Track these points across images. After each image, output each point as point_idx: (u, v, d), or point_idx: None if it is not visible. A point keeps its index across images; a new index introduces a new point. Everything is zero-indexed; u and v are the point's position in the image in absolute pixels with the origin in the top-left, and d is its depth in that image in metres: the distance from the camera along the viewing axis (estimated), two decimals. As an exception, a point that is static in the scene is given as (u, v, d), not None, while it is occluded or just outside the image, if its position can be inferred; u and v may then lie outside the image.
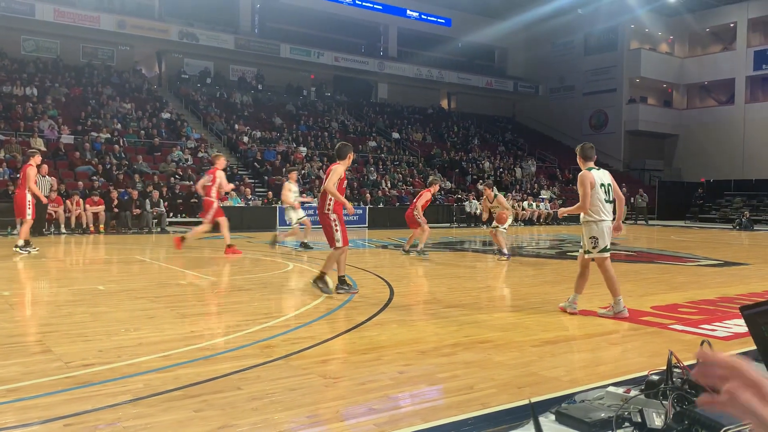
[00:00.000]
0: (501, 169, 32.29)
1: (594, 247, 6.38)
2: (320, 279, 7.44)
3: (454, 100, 42.80)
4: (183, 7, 31.57)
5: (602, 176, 6.44)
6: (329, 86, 37.22)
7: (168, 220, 19.48)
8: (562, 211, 7.10)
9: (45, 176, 16.11)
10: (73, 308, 6.44)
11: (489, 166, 32.18)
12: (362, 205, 23.83)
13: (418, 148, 32.98)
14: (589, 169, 6.45)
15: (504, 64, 44.14)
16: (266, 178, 23.89)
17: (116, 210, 18.42)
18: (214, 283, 8.40)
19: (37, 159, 11.79)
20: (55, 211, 17.14)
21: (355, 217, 23.13)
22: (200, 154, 24.33)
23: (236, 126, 27.96)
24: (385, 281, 8.70)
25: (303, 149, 27.47)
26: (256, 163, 25.18)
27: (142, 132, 24.60)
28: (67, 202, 17.49)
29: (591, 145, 6.63)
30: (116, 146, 22.52)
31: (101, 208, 17.92)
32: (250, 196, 21.87)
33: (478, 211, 25.34)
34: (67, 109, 24.35)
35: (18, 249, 11.36)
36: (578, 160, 6.63)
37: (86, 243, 15.07)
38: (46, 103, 24.09)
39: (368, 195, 24.53)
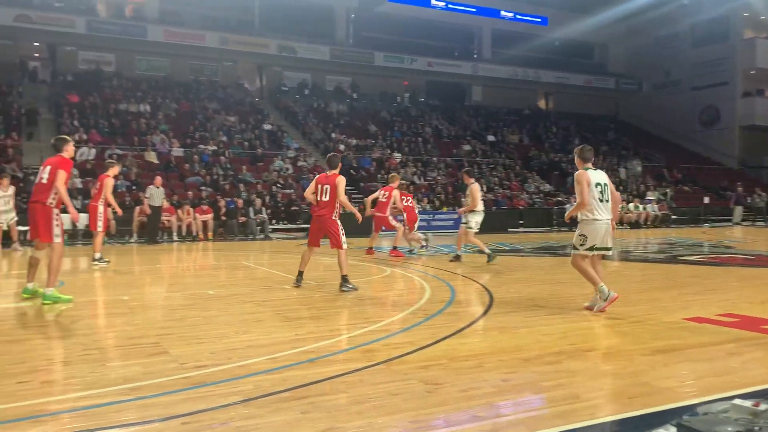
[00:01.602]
0: (604, 170, 31.05)
1: (581, 245, 6.58)
2: (345, 282, 8.10)
3: (551, 100, 41.74)
4: (281, 22, 32.75)
5: (598, 176, 6.64)
6: (422, 91, 37.37)
7: (271, 227, 20.22)
8: (566, 215, 7.15)
9: (159, 187, 17.20)
10: (186, 312, 6.81)
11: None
12: (456, 210, 23.67)
13: (515, 150, 32.40)
14: (586, 169, 6.64)
15: (604, 61, 42.57)
16: (362, 184, 24.26)
17: (223, 218, 19.35)
18: (315, 287, 8.61)
19: (115, 170, 11.72)
20: (168, 220, 18.23)
21: (451, 222, 23.05)
22: (300, 163, 25.10)
23: (333, 134, 28.63)
24: (484, 287, 8.59)
25: (397, 155, 27.70)
26: (351, 171, 25.64)
27: (246, 143, 25.71)
28: (179, 211, 18.56)
29: (590, 148, 6.88)
30: (222, 157, 23.67)
31: (209, 216, 18.88)
32: (347, 203, 22.29)
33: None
34: (177, 124, 25.86)
35: (95, 261, 11.23)
36: (576, 162, 6.84)
37: (196, 250, 15.90)
38: (158, 118, 25.70)
39: (463, 199, 24.33)
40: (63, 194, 7.18)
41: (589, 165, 6.70)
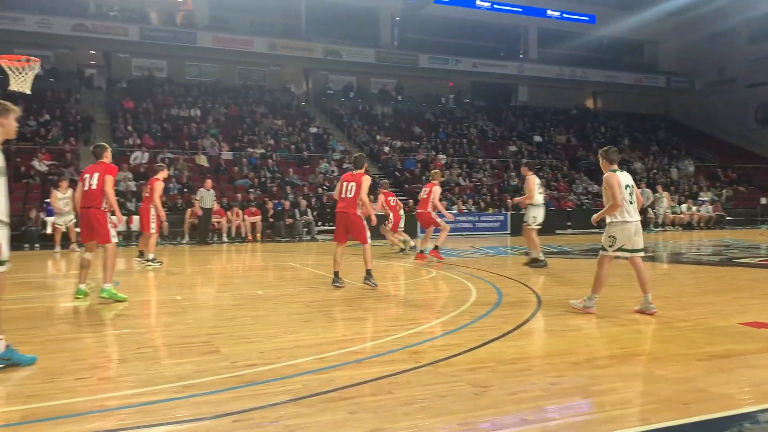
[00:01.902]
0: (654, 170, 30.33)
1: (610, 246, 6.62)
2: (368, 276, 8.48)
3: (599, 100, 40.92)
4: (327, 26, 33.10)
5: (625, 178, 6.67)
6: (467, 92, 37.16)
7: (316, 228, 20.41)
8: (595, 217, 7.00)
9: (209, 190, 17.59)
10: (236, 312, 6.95)
11: (641, 167, 30.36)
12: (503, 212, 23.45)
13: (562, 150, 31.89)
14: (614, 171, 6.66)
15: (654, 59, 41.50)
16: (407, 186, 24.26)
17: (271, 220, 19.64)
18: (361, 288, 8.65)
19: (165, 173, 11.97)
20: (218, 222, 18.61)
21: (497, 224, 22.86)
22: (345, 166, 25.26)
23: (378, 137, 28.73)
24: (531, 289, 8.49)
25: (442, 157, 27.60)
26: (396, 172, 25.68)
27: (293, 146, 26.05)
28: (228, 213, 18.93)
29: (615, 149, 6.89)
30: (270, 160, 24.04)
31: (258, 218, 19.20)
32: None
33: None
34: (226, 128, 26.38)
35: (149, 262, 11.46)
36: (602, 164, 6.83)
37: (245, 251, 16.18)
38: (208, 122, 26.27)
39: (510, 201, 24.09)
40: (112, 198, 7.53)
41: (615, 166, 6.73)
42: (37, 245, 16.37)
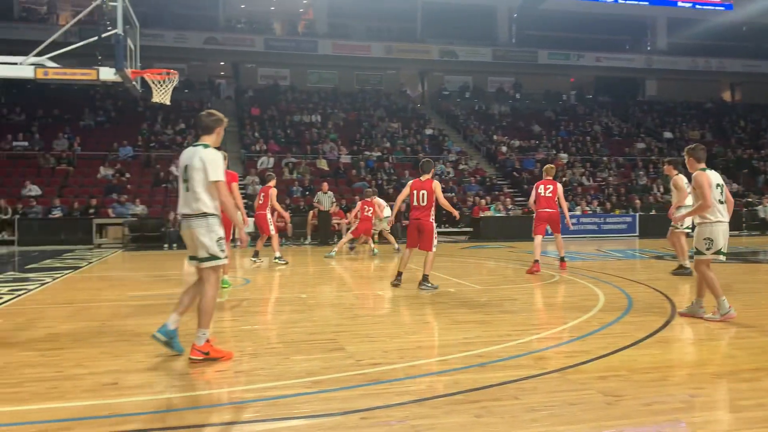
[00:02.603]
0: (802, 167, 27.63)
1: (708, 249, 6.24)
2: (424, 281, 8.50)
3: (738, 91, 37.88)
4: (442, 26, 33.10)
5: (716, 177, 6.36)
6: (590, 88, 35.77)
7: (433, 230, 20.44)
8: (679, 216, 6.58)
9: (326, 192, 18.14)
10: (357, 311, 7.11)
11: (786, 163, 27.78)
12: (632, 213, 22.30)
13: (695, 147, 29.83)
14: (702, 170, 6.34)
15: (803, 44, 37.76)
16: (525, 187, 23.72)
17: (388, 221, 19.92)
18: (480, 291, 8.56)
19: (274, 182, 12.52)
20: (338, 224, 19.15)
21: (624, 226, 21.78)
22: (461, 167, 25.16)
23: (494, 137, 28.32)
24: (664, 295, 8.00)
25: (564, 156, 26.72)
26: (514, 173, 25.19)
27: (408, 149, 26.28)
28: (347, 215, 19.41)
29: (702, 147, 6.58)
30: (386, 163, 24.40)
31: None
32: (510, 206, 21.94)
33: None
34: (345, 132, 27.11)
35: (276, 260, 12.17)
36: (688, 162, 6.50)
37: (363, 251, 16.52)
38: (328, 127, 27.12)
39: (638, 201, 22.89)
40: (230, 204, 8.33)
41: (703, 164, 6.41)
42: (174, 245, 17.60)
